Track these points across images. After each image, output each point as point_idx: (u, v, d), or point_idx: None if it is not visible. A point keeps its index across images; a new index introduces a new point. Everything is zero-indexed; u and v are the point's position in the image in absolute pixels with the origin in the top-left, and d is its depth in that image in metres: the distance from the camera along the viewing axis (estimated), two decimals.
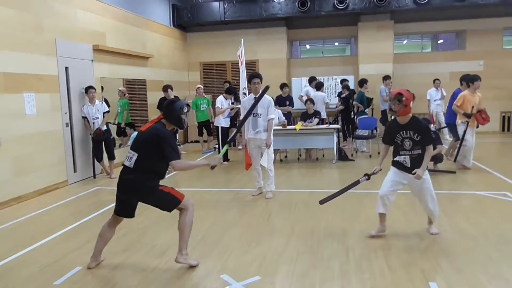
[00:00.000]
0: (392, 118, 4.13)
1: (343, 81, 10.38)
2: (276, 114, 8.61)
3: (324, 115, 9.40)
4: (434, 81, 10.69)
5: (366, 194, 5.67)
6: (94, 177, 7.64)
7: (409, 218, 4.72)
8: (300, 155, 9.15)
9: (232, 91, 9.06)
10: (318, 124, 8.48)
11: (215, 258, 3.79)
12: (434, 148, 6.85)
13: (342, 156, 8.59)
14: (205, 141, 10.49)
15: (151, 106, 10.02)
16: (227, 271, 3.49)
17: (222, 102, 8.64)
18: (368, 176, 4.26)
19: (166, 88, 9.15)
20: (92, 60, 7.78)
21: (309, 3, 11.10)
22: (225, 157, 8.70)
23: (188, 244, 3.60)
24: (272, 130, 5.81)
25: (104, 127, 7.40)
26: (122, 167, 3.55)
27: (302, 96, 10.17)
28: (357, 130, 9.57)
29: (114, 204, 3.65)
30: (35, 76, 6.40)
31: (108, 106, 7.69)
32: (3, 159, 5.82)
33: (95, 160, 7.57)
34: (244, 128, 5.86)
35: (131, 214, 3.65)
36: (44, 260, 3.88)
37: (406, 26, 12.12)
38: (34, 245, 4.30)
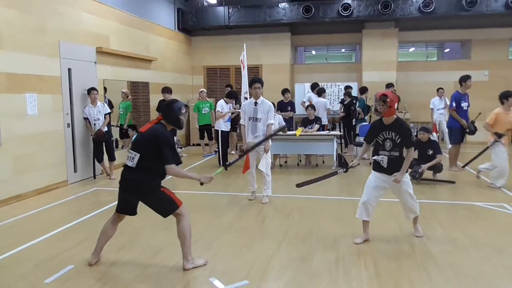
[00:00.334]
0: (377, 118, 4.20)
1: (347, 87, 10.38)
2: (277, 120, 8.66)
3: (325, 121, 9.41)
4: (437, 90, 10.66)
5: None
6: (94, 178, 7.70)
7: (402, 226, 4.70)
8: (300, 160, 9.15)
9: (233, 95, 9.09)
10: (318, 130, 8.48)
11: None
12: (434, 158, 6.89)
13: (342, 162, 8.56)
14: (206, 145, 10.53)
15: (154, 108, 10.09)
16: (216, 274, 3.51)
17: (222, 106, 8.67)
18: (346, 169, 4.46)
19: (165, 90, 9.07)
20: (95, 62, 7.87)
21: (313, 9, 11.15)
22: (225, 161, 8.72)
23: (191, 249, 3.63)
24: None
25: (105, 128, 7.46)
26: (122, 168, 3.61)
27: (304, 102, 10.18)
28: (357, 137, 9.56)
29: (113, 204, 3.72)
30: (38, 77, 6.49)
31: (112, 107, 7.73)
32: (4, 158, 5.90)
33: (95, 160, 7.63)
34: (243, 132, 5.91)
35: (133, 212, 3.71)
36: (38, 258, 3.93)
37: (410, 34, 12.12)
38: (30, 243, 4.35)
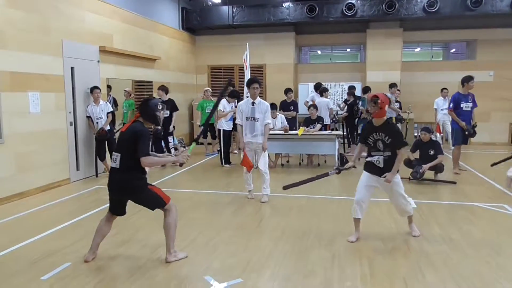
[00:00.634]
0: (368, 119, 4.24)
1: (351, 87, 10.34)
2: (279, 119, 8.68)
3: (327, 121, 9.40)
4: (441, 90, 10.60)
5: None
6: (97, 176, 7.75)
7: (399, 225, 4.69)
8: (302, 160, 9.15)
9: (235, 95, 9.10)
10: (320, 130, 8.47)
11: (202, 259, 3.83)
12: (435, 158, 6.86)
13: (344, 162, 8.53)
14: (209, 144, 10.56)
15: None
16: (212, 272, 3.53)
17: (224, 105, 8.69)
18: (338, 170, 4.44)
19: (161, 88, 8.79)
20: (98, 61, 7.92)
21: (317, 9, 11.13)
22: (227, 160, 8.76)
23: (175, 243, 3.72)
24: (268, 134, 5.93)
25: (108, 127, 7.51)
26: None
27: (307, 102, 10.17)
28: (359, 137, 9.52)
29: None
30: (41, 76, 6.55)
31: (117, 105, 7.75)
32: (7, 156, 5.96)
33: (97, 159, 7.69)
34: (240, 132, 5.96)
35: (122, 212, 3.81)
36: (35, 256, 3.96)
37: (415, 34, 12.05)
38: (28, 241, 4.39)
